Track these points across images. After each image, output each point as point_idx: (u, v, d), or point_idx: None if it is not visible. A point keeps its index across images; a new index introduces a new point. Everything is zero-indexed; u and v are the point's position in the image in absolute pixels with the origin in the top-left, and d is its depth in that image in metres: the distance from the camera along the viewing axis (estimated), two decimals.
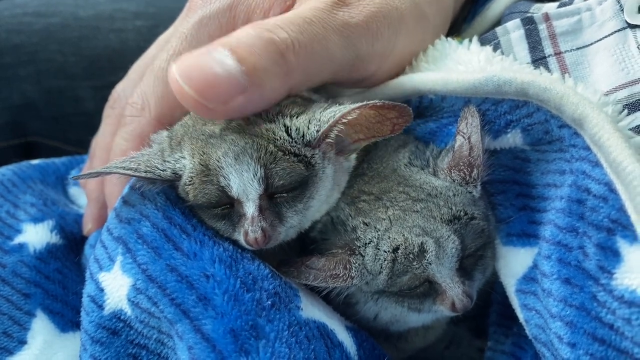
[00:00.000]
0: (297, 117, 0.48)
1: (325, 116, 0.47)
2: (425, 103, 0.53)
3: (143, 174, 0.47)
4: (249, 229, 0.46)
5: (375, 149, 0.55)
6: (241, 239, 0.48)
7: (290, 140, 0.47)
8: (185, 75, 0.42)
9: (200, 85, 0.42)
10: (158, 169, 0.47)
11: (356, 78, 0.53)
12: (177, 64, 0.43)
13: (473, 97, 0.49)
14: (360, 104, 0.46)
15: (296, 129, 0.47)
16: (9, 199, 0.63)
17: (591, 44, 0.51)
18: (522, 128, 0.48)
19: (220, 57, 0.42)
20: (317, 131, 0.47)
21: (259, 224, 0.46)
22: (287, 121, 0.47)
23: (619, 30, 0.50)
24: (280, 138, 0.47)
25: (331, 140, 0.48)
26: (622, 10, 0.51)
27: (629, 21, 0.50)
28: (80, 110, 0.91)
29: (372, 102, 0.46)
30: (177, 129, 0.51)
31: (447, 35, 0.58)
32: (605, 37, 0.51)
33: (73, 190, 0.71)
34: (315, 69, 0.48)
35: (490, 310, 0.60)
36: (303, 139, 0.47)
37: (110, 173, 0.48)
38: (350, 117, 0.46)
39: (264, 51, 0.43)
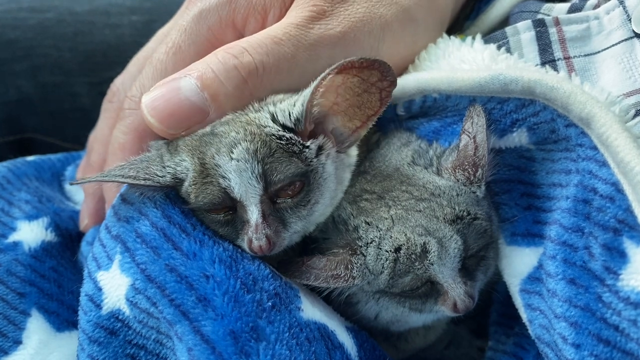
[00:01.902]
0: (280, 103, 0.48)
1: (306, 92, 0.47)
2: (429, 102, 0.52)
3: (142, 182, 0.46)
4: (253, 236, 0.46)
5: (377, 147, 0.55)
6: (245, 246, 0.47)
7: (278, 129, 0.47)
8: (151, 107, 0.48)
9: (163, 116, 0.48)
10: (157, 175, 0.47)
11: None
12: (147, 95, 0.48)
13: (478, 96, 0.49)
14: (336, 63, 0.45)
15: (281, 111, 0.47)
16: (4, 196, 0.62)
17: (599, 51, 0.52)
18: (528, 127, 0.48)
19: (186, 85, 0.47)
20: (302, 105, 0.46)
21: (263, 232, 0.46)
22: (271, 108, 0.48)
23: (626, 40, 0.51)
24: (266, 125, 0.47)
25: (317, 115, 0.47)
26: (630, 20, 0.51)
27: (636, 31, 0.50)
28: (76, 105, 0.90)
29: (348, 59, 0.45)
30: None
31: (449, 34, 0.57)
32: (613, 45, 0.51)
33: (69, 187, 0.71)
34: (283, 83, 0.50)
35: (491, 310, 0.60)
36: (290, 118, 0.47)
37: (108, 181, 0.48)
38: (330, 78, 0.45)
39: (226, 77, 0.48)
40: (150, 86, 0.54)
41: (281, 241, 0.47)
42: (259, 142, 0.46)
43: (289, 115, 0.47)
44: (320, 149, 0.48)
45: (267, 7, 0.54)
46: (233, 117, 0.48)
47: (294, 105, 0.47)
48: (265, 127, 0.46)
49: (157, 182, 0.46)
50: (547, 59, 0.52)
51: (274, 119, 0.47)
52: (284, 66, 0.49)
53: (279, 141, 0.46)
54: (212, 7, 0.54)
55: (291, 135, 0.47)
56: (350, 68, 0.45)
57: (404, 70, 0.56)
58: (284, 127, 0.47)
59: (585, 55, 0.52)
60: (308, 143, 0.47)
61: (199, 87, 0.47)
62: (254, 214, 0.46)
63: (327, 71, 0.45)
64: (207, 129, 0.48)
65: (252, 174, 0.45)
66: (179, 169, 0.47)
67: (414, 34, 0.56)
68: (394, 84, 0.47)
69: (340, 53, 0.51)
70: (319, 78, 0.46)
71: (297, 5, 0.53)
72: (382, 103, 0.48)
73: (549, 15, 0.56)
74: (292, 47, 0.49)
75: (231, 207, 0.47)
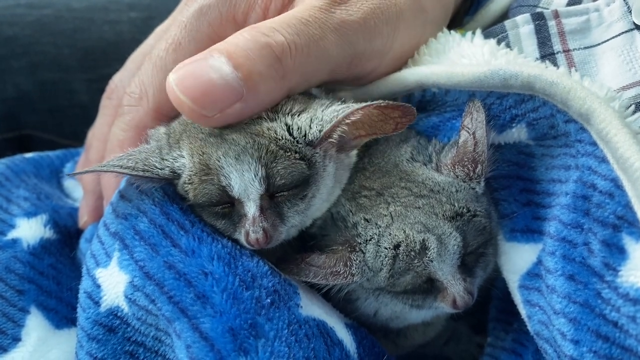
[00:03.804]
0: (298, 116, 0.47)
1: (327, 115, 0.46)
2: (428, 97, 0.52)
3: (141, 173, 0.46)
4: (250, 229, 0.46)
5: (376, 143, 0.54)
6: (242, 238, 0.47)
7: (292, 139, 0.46)
8: (182, 84, 0.43)
9: (196, 94, 0.43)
10: (156, 167, 0.46)
11: (355, 75, 0.53)
12: (174, 72, 0.43)
13: (477, 91, 0.49)
14: (364, 104, 0.45)
15: (298, 128, 0.46)
16: (2, 193, 0.62)
17: (599, 44, 0.52)
18: (528, 122, 0.48)
19: (216, 64, 0.43)
20: (320, 131, 0.46)
21: (260, 224, 0.46)
22: (289, 120, 0.47)
23: (626, 32, 0.50)
24: (282, 137, 0.46)
25: (333, 140, 0.47)
26: (630, 11, 0.51)
27: (636, 22, 0.50)
28: (74, 102, 0.90)
29: (376, 102, 0.45)
30: (175, 125, 0.50)
31: (449, 28, 0.57)
32: (613, 37, 0.51)
33: (68, 184, 0.71)
34: (312, 69, 0.48)
35: (490, 306, 0.60)
36: (305, 139, 0.46)
37: (107, 171, 0.48)
38: (354, 118, 0.45)
39: (259, 56, 0.44)
40: (150, 83, 0.53)
41: (278, 234, 0.47)
42: (266, 151, 0.45)
43: (305, 135, 0.46)
44: (324, 152, 0.48)
45: (268, 1, 0.53)
46: (244, 124, 0.46)
47: (310, 126, 0.46)
48: (280, 139, 0.46)
49: (156, 174, 0.46)
50: (547, 52, 0.52)
51: (289, 132, 0.46)
52: (313, 49, 0.47)
53: (288, 149, 0.46)
54: (212, 2, 0.53)
55: (302, 145, 0.46)
56: (375, 108, 0.46)
57: (406, 63, 0.56)
58: (297, 141, 0.46)
59: (585, 48, 0.52)
60: (317, 151, 0.47)
61: (231, 65, 0.43)
62: (251, 207, 0.46)
63: (351, 110, 0.45)
64: (216, 131, 0.47)
65: (255, 176, 0.45)
66: (176, 164, 0.47)
67: (424, 24, 0.55)
68: (412, 120, 0.47)
69: (363, 41, 0.50)
70: (342, 114, 0.45)
71: None
72: (394, 130, 0.48)
73: (547, 8, 0.55)
74: (319, 28, 0.47)
75: (229, 202, 0.47)
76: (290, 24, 0.46)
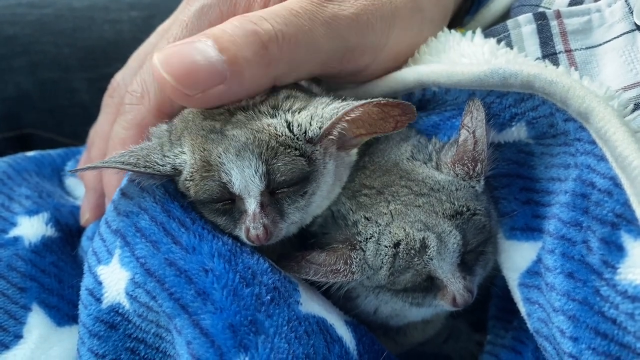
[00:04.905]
0: (298, 113, 0.47)
1: (327, 113, 0.47)
2: (428, 95, 0.52)
3: (142, 169, 0.46)
4: (251, 225, 0.46)
5: (376, 142, 0.55)
6: (242, 235, 0.47)
7: (292, 136, 0.46)
8: (165, 62, 0.44)
9: (179, 72, 0.44)
10: (157, 164, 0.47)
11: (349, 71, 0.53)
12: (159, 52, 0.45)
13: (477, 90, 0.49)
14: (364, 101, 0.45)
15: (298, 125, 0.47)
16: (4, 191, 0.62)
17: (600, 44, 0.52)
18: (527, 121, 0.48)
19: (202, 47, 0.44)
20: (320, 128, 0.46)
21: (261, 221, 0.46)
22: (289, 117, 0.47)
23: (628, 32, 0.51)
24: (282, 134, 0.46)
25: (333, 137, 0.47)
26: (632, 12, 0.51)
27: (638, 23, 0.50)
28: (75, 101, 0.90)
29: (375, 99, 0.45)
30: (177, 123, 0.50)
31: (450, 28, 0.57)
32: (615, 38, 0.51)
33: (69, 182, 0.71)
34: (300, 59, 0.48)
35: (490, 304, 0.60)
36: (305, 135, 0.47)
37: (109, 167, 0.48)
38: (354, 115, 0.46)
39: (246, 42, 0.45)
40: (152, 82, 0.54)
41: (278, 231, 0.47)
42: (267, 147, 0.45)
43: (305, 132, 0.47)
44: (324, 149, 0.48)
45: (268, 2, 0.54)
46: (245, 120, 0.47)
47: (310, 123, 0.47)
48: (280, 136, 0.46)
49: (157, 171, 0.46)
50: (549, 52, 0.52)
51: (290, 128, 0.47)
52: (301, 39, 0.47)
53: (289, 145, 0.46)
54: (213, 2, 0.54)
55: (302, 143, 0.47)
56: (375, 106, 0.46)
57: (405, 62, 0.56)
58: (297, 138, 0.47)
59: (587, 48, 0.52)
60: (317, 148, 0.47)
61: (217, 48, 0.44)
62: (252, 204, 0.46)
63: (351, 106, 0.45)
64: (217, 125, 0.47)
65: (255, 172, 0.45)
66: (177, 161, 0.47)
67: (421, 24, 0.56)
68: (412, 119, 0.47)
69: (354, 36, 0.50)
70: (342, 111, 0.45)
71: None
72: (394, 129, 0.48)
73: (549, 8, 0.56)
74: (309, 20, 0.48)
75: (230, 198, 0.47)
76: (279, 14, 0.47)
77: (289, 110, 0.48)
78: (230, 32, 0.45)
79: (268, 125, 0.46)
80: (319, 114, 0.47)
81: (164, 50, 0.45)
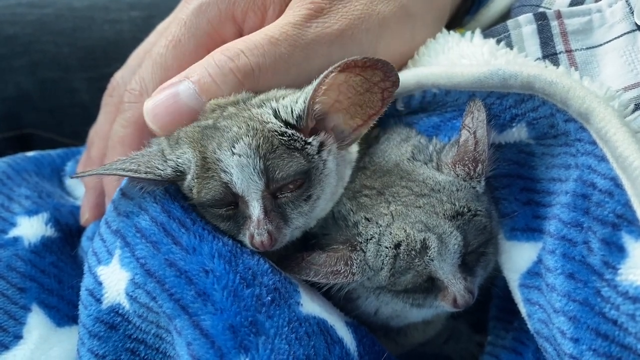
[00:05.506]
0: (283, 99, 0.48)
1: (309, 88, 0.47)
2: (429, 97, 0.52)
3: (143, 175, 0.46)
4: (255, 231, 0.46)
5: (377, 142, 0.55)
6: (247, 241, 0.47)
7: (280, 125, 0.46)
8: (152, 113, 0.50)
9: (164, 122, 0.50)
10: (158, 169, 0.47)
11: None
12: (148, 101, 0.50)
13: (478, 91, 0.49)
14: (340, 62, 0.45)
15: (284, 107, 0.47)
16: (4, 191, 0.62)
17: (601, 44, 0.52)
18: (528, 122, 0.48)
19: (184, 90, 0.49)
20: (304, 102, 0.46)
21: (265, 227, 0.46)
22: (274, 104, 0.48)
23: (628, 33, 0.51)
24: (268, 121, 0.46)
25: (318, 107, 0.47)
26: (632, 12, 0.51)
27: (638, 23, 0.50)
28: (75, 101, 0.90)
29: (351, 58, 0.45)
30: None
31: (449, 28, 0.57)
32: (615, 38, 0.51)
33: (69, 182, 0.71)
34: (279, 82, 0.51)
35: (490, 305, 0.60)
36: (292, 115, 0.47)
37: (110, 174, 0.48)
38: (333, 76, 0.45)
39: (224, 82, 0.49)
40: (150, 80, 0.54)
41: (283, 237, 0.47)
42: (261, 138, 0.45)
43: (291, 111, 0.47)
44: (321, 145, 0.48)
45: (267, 2, 0.54)
46: (236, 112, 0.48)
47: (296, 102, 0.47)
48: (267, 123, 0.46)
49: (159, 176, 0.46)
50: (549, 52, 0.52)
51: (276, 115, 0.47)
52: (280, 66, 0.50)
53: (281, 137, 0.46)
54: (211, 0, 0.54)
55: (293, 131, 0.47)
56: (353, 67, 0.45)
57: (403, 66, 0.56)
58: (286, 123, 0.47)
59: (587, 49, 0.52)
60: (310, 139, 0.47)
61: (197, 91, 0.49)
62: (255, 209, 0.46)
63: (330, 69, 0.45)
64: (210, 121, 0.47)
65: (253, 169, 0.45)
66: (180, 161, 0.47)
67: (412, 30, 0.56)
68: (396, 84, 0.47)
69: (338, 51, 0.51)
70: (321, 76, 0.45)
71: (296, 2, 0.53)
72: (383, 103, 0.47)
73: (550, 8, 0.56)
74: (288, 47, 0.50)
75: (233, 202, 0.47)
76: (258, 45, 0.50)
77: (274, 99, 0.48)
78: (210, 72, 0.49)
79: (256, 114, 0.47)
80: (305, 92, 0.47)
81: (152, 99, 0.50)
